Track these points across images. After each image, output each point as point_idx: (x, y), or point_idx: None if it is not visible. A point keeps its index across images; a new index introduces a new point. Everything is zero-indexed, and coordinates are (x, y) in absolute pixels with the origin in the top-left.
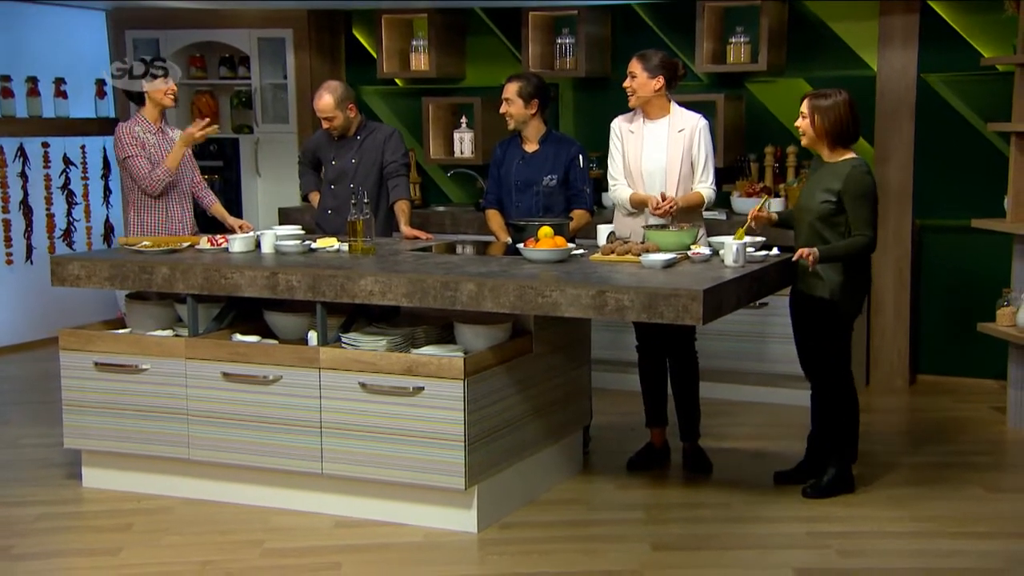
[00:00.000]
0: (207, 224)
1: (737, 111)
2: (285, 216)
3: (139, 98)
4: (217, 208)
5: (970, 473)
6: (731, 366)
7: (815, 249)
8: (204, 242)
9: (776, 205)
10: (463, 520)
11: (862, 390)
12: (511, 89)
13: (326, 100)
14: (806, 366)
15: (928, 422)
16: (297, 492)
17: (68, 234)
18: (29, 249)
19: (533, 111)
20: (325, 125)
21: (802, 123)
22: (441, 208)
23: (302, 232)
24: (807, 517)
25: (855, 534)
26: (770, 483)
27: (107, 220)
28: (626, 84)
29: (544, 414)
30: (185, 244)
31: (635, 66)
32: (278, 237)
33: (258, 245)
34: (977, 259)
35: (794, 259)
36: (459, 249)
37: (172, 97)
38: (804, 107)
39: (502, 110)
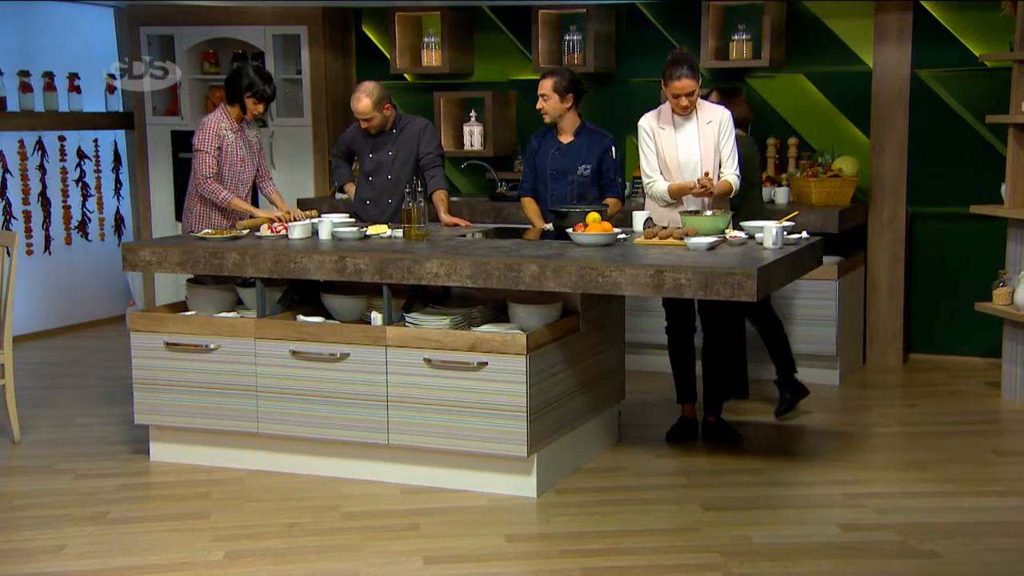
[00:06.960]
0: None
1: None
2: (303, 207)
3: (232, 96)
4: (275, 196)
5: (977, 440)
6: None
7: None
8: (264, 229)
9: (781, 196)
10: (524, 486)
11: (859, 367)
12: (547, 85)
13: (364, 103)
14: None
15: (928, 396)
16: (364, 463)
17: (83, 226)
18: (47, 240)
19: (568, 105)
20: (364, 125)
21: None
22: (456, 198)
23: (353, 220)
24: (840, 480)
25: (886, 494)
26: (796, 452)
27: (117, 212)
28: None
29: (589, 388)
30: (245, 231)
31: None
32: (334, 224)
33: (315, 232)
34: (965, 245)
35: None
36: (468, 234)
37: (259, 112)
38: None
39: (538, 105)
